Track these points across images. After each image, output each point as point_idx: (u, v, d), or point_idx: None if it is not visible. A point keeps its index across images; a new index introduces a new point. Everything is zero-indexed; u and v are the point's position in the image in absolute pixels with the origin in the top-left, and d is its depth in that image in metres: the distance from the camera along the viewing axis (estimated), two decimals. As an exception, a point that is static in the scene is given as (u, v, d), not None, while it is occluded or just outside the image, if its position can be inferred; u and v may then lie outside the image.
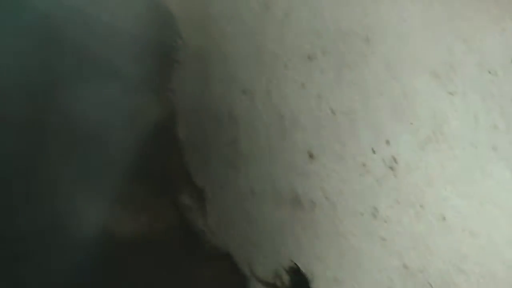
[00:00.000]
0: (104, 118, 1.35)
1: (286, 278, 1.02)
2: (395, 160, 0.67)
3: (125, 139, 1.37)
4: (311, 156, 0.86)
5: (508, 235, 0.54)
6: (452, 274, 0.63)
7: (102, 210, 1.34)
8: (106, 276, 1.24)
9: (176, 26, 1.21)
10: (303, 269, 0.96)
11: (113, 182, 1.35)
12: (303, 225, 0.93)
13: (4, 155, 1.18)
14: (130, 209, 1.35)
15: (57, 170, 1.28)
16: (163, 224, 1.37)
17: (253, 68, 0.96)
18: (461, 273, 0.62)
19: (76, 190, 1.32)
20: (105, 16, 1.21)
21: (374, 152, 0.70)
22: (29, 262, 1.25)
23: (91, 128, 1.31)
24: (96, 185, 1.33)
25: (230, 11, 0.97)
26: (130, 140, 1.38)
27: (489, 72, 0.51)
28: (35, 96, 1.21)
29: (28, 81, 1.18)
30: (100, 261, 1.27)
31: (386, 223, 0.72)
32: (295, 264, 0.99)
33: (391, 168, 0.68)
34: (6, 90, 1.16)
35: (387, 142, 0.67)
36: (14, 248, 1.24)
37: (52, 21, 1.16)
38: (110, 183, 1.35)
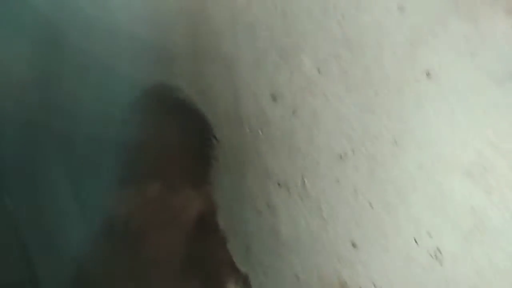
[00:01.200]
0: (147, 217, 1.37)
1: None
2: (439, 250, 0.66)
3: (168, 235, 1.39)
4: (354, 245, 0.85)
5: None
6: None
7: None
8: None
9: (210, 128, 1.26)
10: None
11: (158, 282, 1.34)
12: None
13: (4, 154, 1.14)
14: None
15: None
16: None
17: (286, 164, 0.98)
18: None
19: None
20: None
21: (417, 243, 0.70)
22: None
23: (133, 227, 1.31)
24: (146, 282, 1.33)
25: (261, 115, 1.01)
26: (174, 237, 1.38)
27: (522, 171, 0.52)
28: (35, 96, 1.17)
29: (28, 80, 1.16)
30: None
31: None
32: None
33: (437, 258, 0.67)
34: (7, 90, 1.16)
35: (429, 234, 0.67)
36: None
37: (53, 22, 1.14)
38: (156, 284, 1.34)
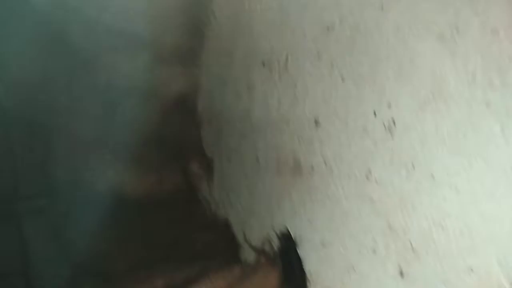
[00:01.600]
0: (130, 87, 1.37)
1: (275, 243, 1.02)
2: (393, 122, 0.67)
3: (146, 105, 1.40)
4: (317, 123, 0.86)
5: (490, 190, 0.54)
6: (432, 231, 0.63)
7: (115, 169, 1.35)
8: (113, 228, 1.25)
9: (211, 2, 1.24)
10: (293, 234, 0.96)
11: (129, 144, 1.37)
12: (300, 191, 0.93)
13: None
14: (142, 170, 1.36)
15: (77, 130, 1.30)
16: (171, 186, 1.38)
17: (274, 41, 0.98)
18: (441, 230, 0.61)
19: (93, 150, 1.34)
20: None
21: (375, 115, 0.71)
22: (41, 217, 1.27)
23: (113, 94, 1.33)
24: (112, 146, 1.36)
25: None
26: (151, 107, 1.40)
27: (491, 32, 0.52)
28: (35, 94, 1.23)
29: (28, 79, 1.21)
30: (109, 215, 1.28)
31: (377, 184, 0.72)
32: (287, 229, 0.99)
33: (389, 130, 0.68)
34: (7, 89, 1.20)
35: (389, 105, 0.68)
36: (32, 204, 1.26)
37: (54, 22, 1.18)
38: (126, 144, 1.36)
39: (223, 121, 1.27)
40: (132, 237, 1.26)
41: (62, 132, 1.25)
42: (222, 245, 1.28)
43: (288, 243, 0.97)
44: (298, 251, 0.94)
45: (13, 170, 1.26)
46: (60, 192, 1.31)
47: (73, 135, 1.29)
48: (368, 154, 0.74)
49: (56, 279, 1.17)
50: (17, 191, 1.27)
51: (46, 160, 1.29)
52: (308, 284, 0.89)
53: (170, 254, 1.24)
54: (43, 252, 1.26)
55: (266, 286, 0.94)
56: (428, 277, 0.64)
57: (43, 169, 1.30)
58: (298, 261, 0.93)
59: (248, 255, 1.16)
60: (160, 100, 1.39)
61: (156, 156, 1.38)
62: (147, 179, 1.37)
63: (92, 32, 1.22)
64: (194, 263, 1.17)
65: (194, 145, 1.39)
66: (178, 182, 1.37)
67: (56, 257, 1.26)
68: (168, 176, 1.38)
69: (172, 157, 1.39)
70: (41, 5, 1.19)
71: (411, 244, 0.66)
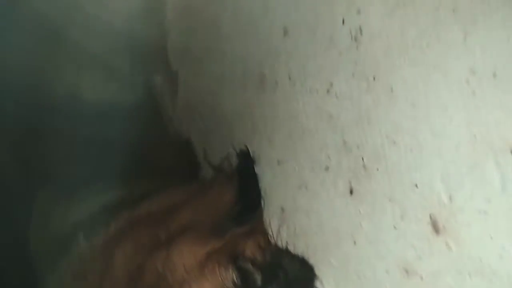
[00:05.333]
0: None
1: (234, 161, 1.03)
2: (360, 30, 0.66)
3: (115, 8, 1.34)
4: (285, 33, 0.84)
5: (444, 104, 0.54)
6: (385, 147, 0.63)
7: (78, 74, 1.32)
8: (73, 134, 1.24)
9: None
10: (252, 152, 0.97)
11: (93, 50, 1.33)
12: (262, 107, 0.93)
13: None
14: (105, 76, 1.34)
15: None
16: (132, 97, 1.36)
17: None
18: (393, 145, 0.62)
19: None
20: None
21: (343, 22, 0.69)
22: None
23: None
24: (80, 54, 1.32)
25: None
26: (119, 11, 1.35)
27: None
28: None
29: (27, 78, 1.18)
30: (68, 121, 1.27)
31: (337, 98, 0.72)
32: (246, 147, 0.99)
33: (355, 39, 0.67)
34: (6, 89, 1.16)
35: (358, 11, 0.66)
36: None
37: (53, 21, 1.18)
38: (91, 52, 1.33)
39: (190, 31, 1.23)
40: (90, 146, 1.25)
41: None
42: (182, 163, 1.29)
43: (245, 161, 0.98)
44: (255, 169, 0.96)
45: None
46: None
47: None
48: (331, 67, 0.73)
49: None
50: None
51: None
52: (262, 200, 0.91)
53: (129, 167, 1.24)
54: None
55: (221, 200, 0.96)
56: (376, 194, 0.66)
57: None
58: (254, 178, 0.94)
59: (207, 174, 1.18)
60: (127, 3, 1.34)
61: (120, 63, 1.35)
62: (109, 86, 1.34)
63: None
64: (152, 179, 1.18)
65: (159, 57, 1.36)
66: (140, 94, 1.35)
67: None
68: (131, 87, 1.35)
69: (136, 67, 1.36)
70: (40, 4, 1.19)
71: (363, 161, 0.68)
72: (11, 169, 1.27)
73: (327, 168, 0.75)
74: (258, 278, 0.79)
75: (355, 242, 0.70)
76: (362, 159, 0.68)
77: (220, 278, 0.78)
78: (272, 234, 0.87)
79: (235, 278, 0.77)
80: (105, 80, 1.33)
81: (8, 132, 1.20)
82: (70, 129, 1.24)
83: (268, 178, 0.92)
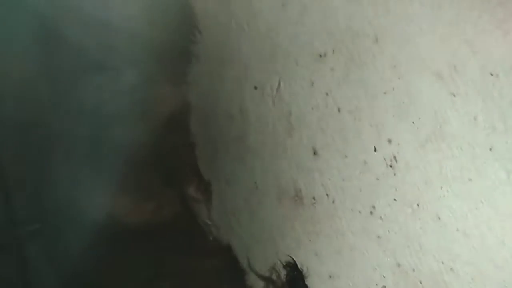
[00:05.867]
0: (117, 108, 1.37)
1: (282, 272, 1.03)
2: (395, 158, 0.67)
3: (137, 128, 1.40)
4: (315, 153, 0.86)
5: (500, 236, 0.55)
6: (443, 273, 0.63)
7: (109, 197, 1.36)
8: (110, 259, 1.26)
9: (196, 20, 1.23)
10: (299, 264, 0.97)
11: (122, 170, 1.37)
12: (303, 220, 0.94)
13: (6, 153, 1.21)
14: (137, 197, 1.37)
15: (67, 156, 1.30)
16: (168, 213, 1.38)
17: (265, 65, 0.97)
18: (452, 273, 0.62)
19: (86, 176, 1.34)
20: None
21: (375, 150, 0.71)
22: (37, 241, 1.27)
23: (102, 117, 1.33)
24: (106, 172, 1.36)
25: (249, 8, 0.98)
26: (143, 130, 1.40)
27: (491, 75, 0.52)
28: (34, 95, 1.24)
29: (26, 79, 1.22)
30: (105, 245, 1.29)
31: (382, 221, 0.73)
32: (293, 259, 0.99)
33: (391, 166, 0.68)
34: (5, 89, 1.21)
35: (389, 140, 0.68)
36: (25, 228, 1.27)
37: (51, 21, 1.18)
38: (119, 170, 1.37)
39: (217, 142, 1.27)
40: (131, 268, 1.26)
41: (57, 144, 1.25)
42: (226, 271, 1.29)
43: (295, 273, 0.98)
44: (306, 282, 0.95)
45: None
46: (53, 217, 1.32)
47: (68, 147, 1.29)
48: (370, 189, 0.74)
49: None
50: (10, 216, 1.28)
51: (40, 183, 1.29)
52: (318, 317, 0.90)
53: (173, 283, 1.25)
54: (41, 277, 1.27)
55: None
56: (441, 318, 0.65)
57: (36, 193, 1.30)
58: (307, 292, 0.93)
59: (254, 282, 1.17)
60: (151, 121, 1.39)
61: (152, 180, 1.38)
62: (143, 205, 1.37)
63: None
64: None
65: (189, 168, 1.39)
66: (176, 207, 1.37)
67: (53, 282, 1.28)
68: (164, 202, 1.38)
69: (169, 182, 1.39)
70: (39, 3, 1.19)
71: (421, 284, 0.67)
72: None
73: (384, 288, 0.75)
74: None
75: None
76: (420, 282, 0.67)
77: None
78: None
79: None
80: (138, 200, 1.35)
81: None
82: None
83: (322, 293, 0.91)
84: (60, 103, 1.25)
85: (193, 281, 1.24)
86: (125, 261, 1.27)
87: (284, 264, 1.02)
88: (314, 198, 0.89)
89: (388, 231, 0.71)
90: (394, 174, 0.68)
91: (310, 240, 0.92)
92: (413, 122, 0.63)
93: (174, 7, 1.28)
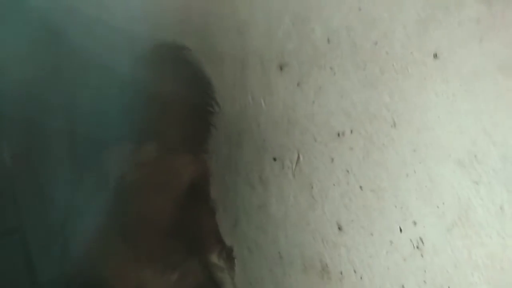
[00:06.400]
0: (142, 177, 1.39)
1: None
2: (422, 240, 0.67)
3: (160, 196, 1.41)
4: (340, 228, 0.86)
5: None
6: None
7: (135, 268, 1.36)
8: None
9: (214, 92, 1.27)
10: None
11: (145, 240, 1.38)
12: (330, 294, 0.92)
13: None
14: (161, 267, 1.37)
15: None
16: (192, 283, 1.37)
17: (283, 139, 0.99)
18: None
19: (105, 244, 1.34)
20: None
21: (401, 231, 0.70)
22: None
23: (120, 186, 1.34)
24: (129, 243, 1.36)
25: (266, 85, 1.01)
26: (166, 199, 1.41)
27: (513, 165, 0.52)
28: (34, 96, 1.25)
29: (27, 79, 1.20)
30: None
31: (413, 304, 0.71)
32: (322, 333, 0.97)
33: (418, 248, 0.68)
34: (5, 89, 1.19)
35: (414, 223, 0.68)
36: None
37: (52, 22, 1.19)
38: (142, 240, 1.37)
39: (239, 210, 1.27)
40: None
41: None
42: None
43: None
44: None
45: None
46: None
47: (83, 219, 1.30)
48: (399, 269, 0.73)
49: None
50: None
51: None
52: None
53: None
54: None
55: None
56: None
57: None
58: None
59: None
60: (173, 190, 1.40)
61: (175, 249, 1.38)
62: (167, 275, 1.36)
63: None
64: None
65: (211, 235, 1.39)
66: (199, 277, 1.36)
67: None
68: (188, 271, 1.37)
69: (191, 250, 1.39)
70: (39, 3, 1.21)
71: None
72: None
73: None
74: None
75: None
76: None
77: None
78: None
79: None
80: (162, 271, 1.34)
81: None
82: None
83: None
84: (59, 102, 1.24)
85: None
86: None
87: (313, 338, 0.99)
88: (341, 273, 0.88)
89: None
90: (422, 256, 0.67)
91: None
92: (437, 207, 0.63)
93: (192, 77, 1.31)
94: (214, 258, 1.38)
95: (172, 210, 1.41)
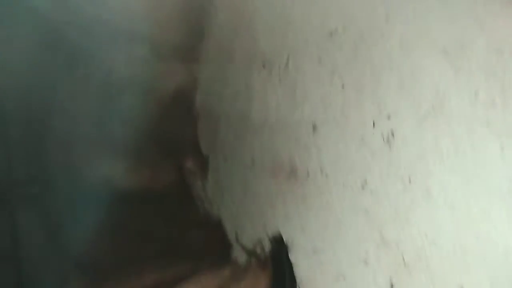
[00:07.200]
0: (127, 78, 1.37)
1: (267, 246, 1.02)
2: (392, 134, 0.67)
3: (144, 100, 1.39)
4: (314, 128, 0.86)
5: (486, 210, 0.54)
6: (425, 247, 0.63)
7: (110, 163, 1.35)
8: (105, 221, 1.25)
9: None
10: (285, 238, 0.96)
11: (125, 138, 1.37)
12: (294, 196, 0.93)
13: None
14: (138, 164, 1.36)
15: (73, 124, 1.30)
16: (165, 182, 1.37)
17: (276, 42, 0.97)
18: (434, 246, 0.62)
19: (89, 143, 1.33)
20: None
21: (374, 125, 0.71)
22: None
23: (111, 90, 1.32)
24: (109, 140, 1.35)
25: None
26: (149, 102, 1.39)
27: (496, 52, 0.52)
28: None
29: (27, 80, 1.19)
30: (101, 208, 1.28)
31: (372, 195, 0.72)
32: (279, 233, 0.99)
33: (388, 141, 0.68)
34: (6, 90, 1.18)
35: (388, 116, 0.68)
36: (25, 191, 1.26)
37: (52, 22, 1.18)
38: (123, 139, 1.36)
39: (220, 119, 1.27)
40: (124, 231, 1.26)
41: (58, 127, 1.26)
42: (214, 244, 1.28)
43: (279, 247, 0.97)
44: (289, 256, 0.95)
45: (8, 156, 1.27)
46: (53, 181, 1.31)
47: (69, 129, 1.29)
48: (365, 164, 0.74)
49: (46, 268, 1.18)
50: (11, 177, 1.27)
51: (41, 150, 1.29)
52: (297, 289, 0.89)
53: (161, 250, 1.24)
54: (34, 240, 1.26)
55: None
56: (418, 292, 0.65)
57: (38, 158, 1.30)
58: (289, 265, 0.93)
59: (239, 256, 1.16)
60: (158, 96, 1.38)
61: (152, 151, 1.38)
62: (142, 173, 1.36)
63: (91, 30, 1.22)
64: (185, 261, 1.17)
65: (190, 142, 1.38)
66: (172, 179, 1.37)
67: (47, 247, 1.26)
68: (163, 172, 1.37)
69: (168, 153, 1.39)
70: (40, 3, 1.19)
71: (403, 258, 0.67)
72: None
73: (366, 262, 0.74)
74: None
75: None
76: (402, 256, 0.67)
77: None
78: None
79: None
80: (136, 166, 1.35)
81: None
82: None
83: (304, 267, 0.90)
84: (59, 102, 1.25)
85: (180, 248, 1.23)
86: (120, 224, 1.26)
87: (271, 238, 1.01)
88: (308, 174, 0.89)
89: (377, 205, 0.71)
90: (390, 149, 0.68)
91: (299, 215, 0.92)
92: (414, 98, 0.63)
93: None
94: (189, 164, 1.38)
95: (153, 114, 1.39)
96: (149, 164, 1.37)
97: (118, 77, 1.34)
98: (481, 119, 0.54)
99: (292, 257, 0.94)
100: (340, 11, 0.77)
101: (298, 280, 0.91)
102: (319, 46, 0.84)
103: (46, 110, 1.24)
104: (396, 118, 0.67)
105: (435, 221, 0.61)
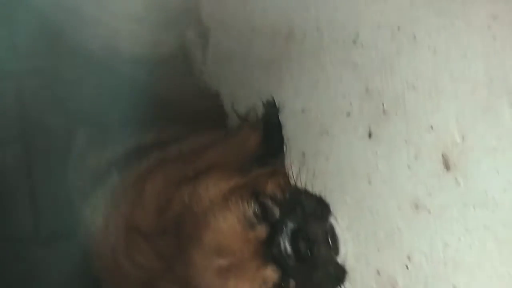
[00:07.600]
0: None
1: (260, 111, 1.06)
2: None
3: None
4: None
5: (465, 50, 0.56)
6: (405, 93, 0.65)
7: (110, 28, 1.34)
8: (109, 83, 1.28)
9: None
10: (277, 102, 1.00)
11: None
12: (290, 59, 0.95)
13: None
14: (139, 29, 1.36)
15: None
16: (166, 51, 1.38)
17: None
18: (412, 90, 0.64)
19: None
20: None
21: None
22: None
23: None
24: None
25: None
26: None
27: None
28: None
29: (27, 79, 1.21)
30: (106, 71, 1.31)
31: (363, 48, 0.73)
32: (272, 98, 1.02)
33: None
34: (6, 89, 1.20)
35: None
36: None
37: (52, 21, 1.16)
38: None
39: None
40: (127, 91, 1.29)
41: None
42: (211, 113, 1.33)
43: (271, 110, 1.01)
44: (279, 117, 0.98)
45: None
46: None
47: None
48: (358, 17, 0.74)
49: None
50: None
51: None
52: (284, 146, 0.94)
53: (161, 113, 1.28)
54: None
55: (246, 144, 0.99)
56: (393, 136, 0.68)
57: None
58: (278, 125, 0.97)
59: (234, 123, 1.21)
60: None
61: (154, 18, 1.37)
62: (143, 39, 1.37)
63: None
64: (183, 125, 1.23)
65: (192, 12, 1.37)
66: (173, 47, 1.37)
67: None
68: (164, 40, 1.38)
69: (170, 22, 1.38)
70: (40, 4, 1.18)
71: (383, 106, 0.70)
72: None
73: (348, 114, 0.78)
74: (276, 211, 0.83)
75: (370, 182, 0.73)
76: (382, 104, 0.70)
77: (241, 209, 0.82)
78: (293, 176, 0.91)
79: (256, 210, 0.81)
80: (140, 33, 1.35)
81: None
82: (106, 76, 1.28)
83: (292, 125, 0.95)
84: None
85: (182, 116, 1.28)
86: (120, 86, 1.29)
87: (264, 103, 1.05)
88: (305, 34, 0.89)
89: (366, 58, 0.73)
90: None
91: (292, 77, 0.94)
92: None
93: None
94: (191, 34, 1.37)
95: None
96: (151, 32, 1.37)
97: None
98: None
99: (282, 118, 0.98)
100: None
101: (285, 138, 0.96)
102: None
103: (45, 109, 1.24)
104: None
105: (417, 66, 0.63)
